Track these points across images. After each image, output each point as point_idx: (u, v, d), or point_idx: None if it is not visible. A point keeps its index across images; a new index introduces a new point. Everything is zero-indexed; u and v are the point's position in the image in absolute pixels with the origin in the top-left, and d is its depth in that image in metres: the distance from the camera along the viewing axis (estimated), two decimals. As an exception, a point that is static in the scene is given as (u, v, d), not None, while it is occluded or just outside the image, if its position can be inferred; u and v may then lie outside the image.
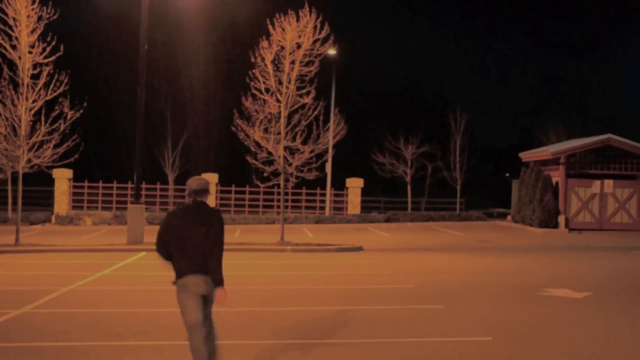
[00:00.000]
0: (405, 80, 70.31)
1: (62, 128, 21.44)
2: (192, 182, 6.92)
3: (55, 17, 21.15)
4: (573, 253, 21.84)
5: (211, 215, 6.77)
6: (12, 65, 21.08)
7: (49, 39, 21.19)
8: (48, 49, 21.09)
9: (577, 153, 32.51)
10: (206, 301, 6.86)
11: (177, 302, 6.93)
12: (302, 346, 8.93)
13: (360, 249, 21.97)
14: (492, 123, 72.72)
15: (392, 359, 8.37)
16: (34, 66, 21.04)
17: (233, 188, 37.40)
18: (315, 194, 38.07)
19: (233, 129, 22.87)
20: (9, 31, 20.72)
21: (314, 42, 22.14)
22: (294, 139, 22.33)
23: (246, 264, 17.90)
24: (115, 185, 36.37)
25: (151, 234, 25.61)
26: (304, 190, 36.97)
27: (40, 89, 21.06)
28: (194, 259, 6.71)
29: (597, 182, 32.22)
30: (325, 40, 22.32)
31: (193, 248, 6.69)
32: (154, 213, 33.60)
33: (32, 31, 20.84)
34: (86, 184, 36.27)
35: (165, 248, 6.87)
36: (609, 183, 32.18)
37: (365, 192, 38.98)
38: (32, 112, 21.12)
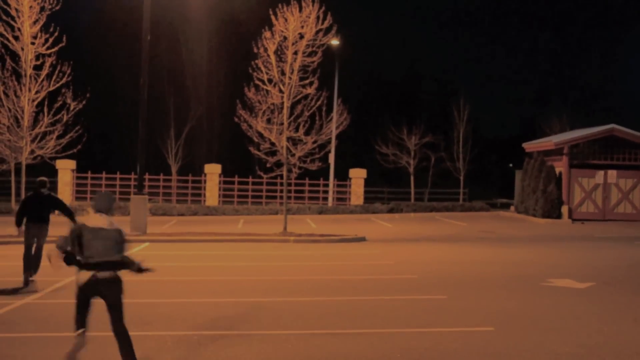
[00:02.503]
0: (409, 71, 70.22)
1: (65, 119, 21.47)
2: (38, 182, 13.44)
3: (57, 7, 21.14)
4: (576, 243, 21.83)
5: (48, 198, 13.37)
6: (14, 57, 21.10)
7: (51, 29, 21.20)
8: (51, 40, 21.09)
9: (580, 143, 32.44)
10: (37, 237, 13.10)
11: (23, 236, 12.99)
12: (305, 336, 8.95)
13: (363, 239, 21.98)
14: (495, 113, 72.53)
15: (394, 349, 8.39)
16: (37, 57, 21.05)
17: (236, 179, 37.43)
18: (318, 185, 38.08)
19: (236, 119, 22.86)
20: (12, 22, 20.73)
21: (317, 32, 22.08)
22: (296, 129, 22.32)
23: (249, 254, 17.93)
24: (118, 176, 36.42)
25: (155, 225, 25.65)
26: (307, 181, 36.98)
27: (43, 80, 21.08)
28: (35, 218, 13.08)
29: (601, 173, 32.16)
30: (328, 31, 22.27)
31: (36, 212, 13.11)
32: (157, 204, 33.65)
33: (35, 22, 20.85)
34: (89, 174, 36.32)
35: (22, 215, 13.00)
36: (612, 173, 32.12)
37: (368, 182, 38.99)
38: (35, 103, 21.15)
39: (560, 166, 32.24)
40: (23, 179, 21.53)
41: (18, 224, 13.02)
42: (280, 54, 22.07)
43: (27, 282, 12.72)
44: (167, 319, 9.96)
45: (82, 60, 33.45)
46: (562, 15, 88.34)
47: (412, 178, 42.64)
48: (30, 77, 20.88)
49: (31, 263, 13.03)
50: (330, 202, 37.95)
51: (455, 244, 21.15)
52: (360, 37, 60.25)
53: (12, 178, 32.26)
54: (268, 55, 21.90)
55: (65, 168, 34.94)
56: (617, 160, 32.47)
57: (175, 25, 54.65)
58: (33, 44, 20.85)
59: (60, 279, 13.30)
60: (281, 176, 23.87)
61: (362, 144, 51.97)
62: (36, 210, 13.24)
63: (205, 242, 20.80)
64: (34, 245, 13.19)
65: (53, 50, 21.08)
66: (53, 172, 35.18)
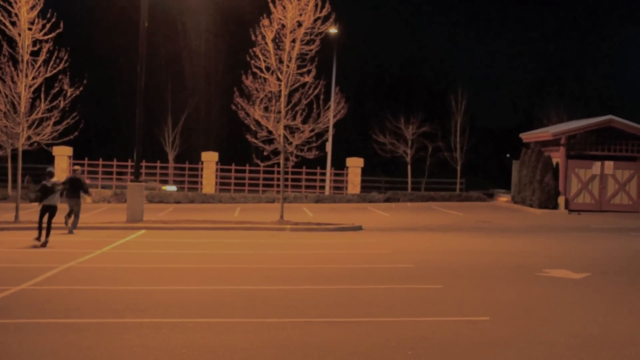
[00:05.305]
0: (406, 60, 70.06)
1: (62, 105, 21.37)
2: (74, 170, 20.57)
3: (55, -7, 21.01)
4: (572, 234, 21.87)
5: (79, 180, 19.80)
6: (11, 42, 20.98)
7: (48, 15, 21.07)
8: (48, 26, 20.97)
9: (577, 134, 32.44)
10: (73, 206, 19.50)
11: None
12: (301, 324, 8.96)
13: (359, 228, 22.00)
14: (493, 103, 72.37)
15: (390, 338, 8.40)
16: (34, 43, 20.93)
17: (233, 167, 37.40)
18: (315, 174, 38.07)
19: (233, 107, 22.81)
20: (9, 7, 20.59)
21: (315, 20, 22.01)
22: (294, 117, 22.28)
23: (245, 242, 17.93)
24: (115, 163, 36.38)
25: (151, 212, 25.62)
26: (304, 170, 36.97)
27: (40, 66, 20.97)
28: (70, 194, 19.50)
29: (598, 164, 32.18)
30: (326, 19, 22.20)
31: (70, 190, 19.48)
32: (153, 191, 33.62)
33: (32, 7, 20.72)
34: (86, 161, 36.25)
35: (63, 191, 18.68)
36: (609, 164, 32.14)
37: (365, 171, 38.97)
38: (32, 89, 21.05)
39: (558, 157, 32.25)
40: (19, 166, 21.48)
41: (60, 195, 17.85)
42: (278, 41, 22.00)
43: (71, 230, 19.35)
44: (164, 306, 9.96)
45: (80, 47, 33.29)
46: (561, 5, 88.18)
47: (409, 167, 42.65)
48: (27, 63, 20.77)
49: (74, 222, 19.50)
50: (327, 191, 37.95)
51: (452, 234, 21.17)
52: (359, 25, 60.08)
53: (9, 164, 32.25)
54: (266, 43, 21.84)
55: (62, 155, 34.87)
56: (614, 152, 32.47)
57: (173, 12, 54.38)
58: (30, 29, 20.73)
59: (55, 266, 13.31)
60: (278, 164, 23.86)
61: (360, 132, 51.94)
62: (71, 188, 19.35)
63: (201, 229, 20.80)
64: (73, 211, 19.41)
65: (50, 36, 20.96)
66: (50, 159, 35.12)
